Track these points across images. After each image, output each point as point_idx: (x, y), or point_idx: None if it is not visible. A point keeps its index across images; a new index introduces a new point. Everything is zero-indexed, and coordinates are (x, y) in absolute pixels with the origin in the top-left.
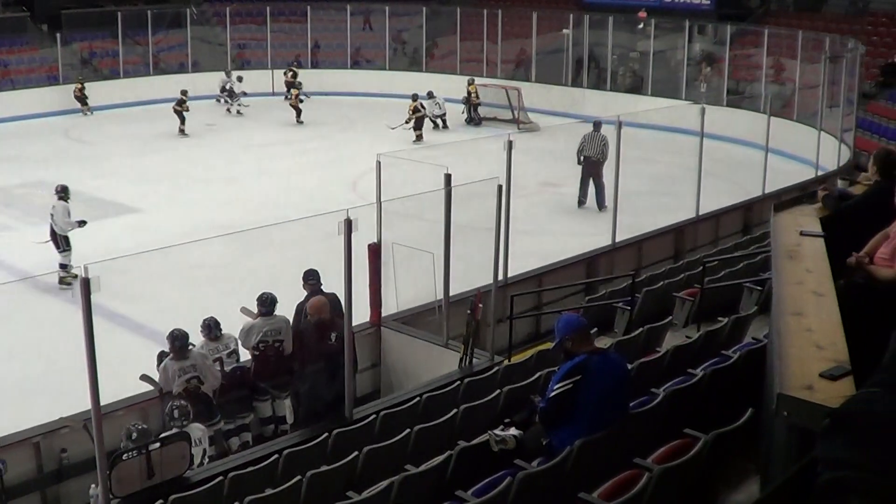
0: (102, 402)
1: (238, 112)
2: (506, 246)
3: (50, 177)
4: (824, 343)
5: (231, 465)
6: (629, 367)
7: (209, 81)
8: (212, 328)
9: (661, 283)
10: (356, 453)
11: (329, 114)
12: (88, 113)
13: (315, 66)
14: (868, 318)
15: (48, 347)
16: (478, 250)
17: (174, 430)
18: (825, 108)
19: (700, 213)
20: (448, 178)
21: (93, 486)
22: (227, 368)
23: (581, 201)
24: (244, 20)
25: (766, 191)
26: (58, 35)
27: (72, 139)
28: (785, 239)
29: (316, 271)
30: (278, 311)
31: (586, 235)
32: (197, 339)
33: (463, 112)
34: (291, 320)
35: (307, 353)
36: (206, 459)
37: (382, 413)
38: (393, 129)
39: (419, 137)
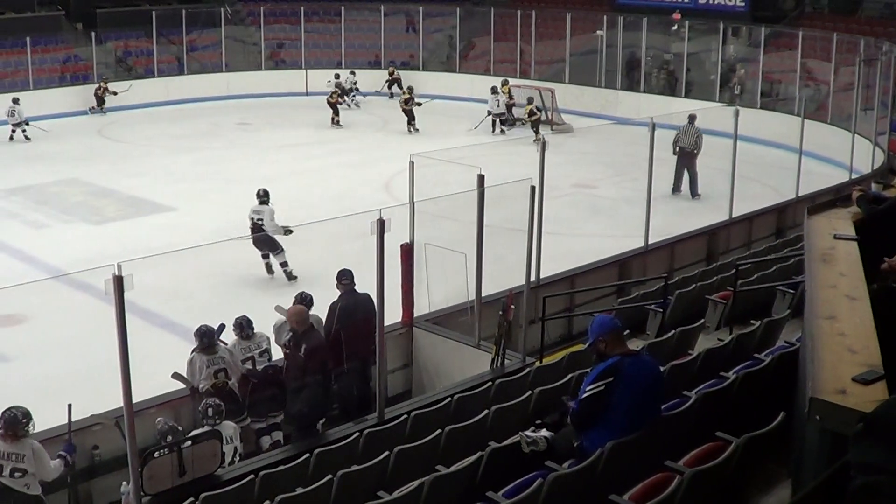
0: (135, 400)
1: (356, 105)
2: (538, 247)
3: (83, 175)
4: (857, 347)
5: (262, 464)
6: (661, 369)
7: (241, 81)
8: (244, 327)
9: (694, 285)
10: (387, 453)
11: (363, 114)
12: (99, 112)
13: (349, 66)
14: None
15: (81, 345)
16: (510, 251)
17: (206, 429)
18: (859, 111)
19: (733, 216)
20: (481, 178)
21: (124, 483)
22: (260, 367)
23: (676, 189)
24: (278, 20)
25: (800, 194)
26: (92, 34)
27: (106, 138)
28: (818, 242)
29: (350, 271)
30: (311, 311)
31: (619, 237)
32: (229, 337)
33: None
34: (325, 320)
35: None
36: (238, 458)
37: (414, 413)
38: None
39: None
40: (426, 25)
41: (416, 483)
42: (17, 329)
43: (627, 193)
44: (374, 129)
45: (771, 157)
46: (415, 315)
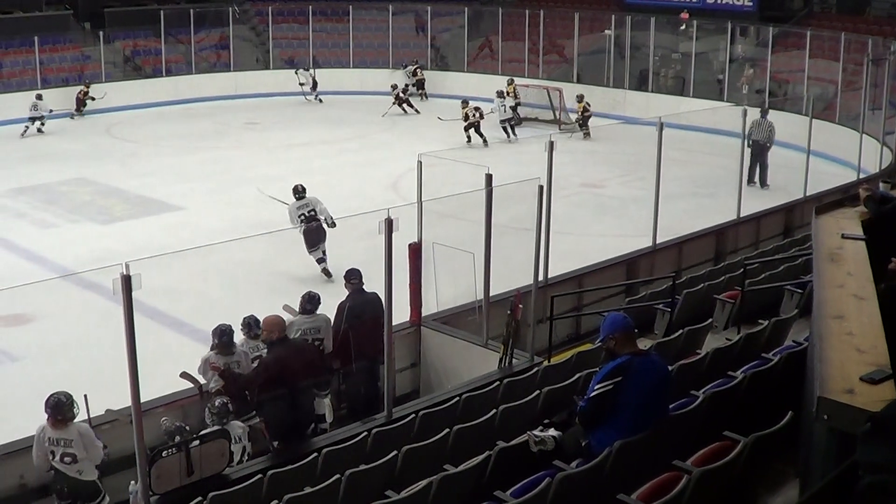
0: (143, 400)
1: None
2: (546, 246)
3: (91, 175)
4: (865, 347)
5: (270, 463)
6: (669, 369)
7: (249, 80)
8: (252, 326)
9: (702, 285)
10: (395, 452)
11: (370, 113)
12: (77, 116)
13: (357, 65)
14: None
15: (89, 345)
16: (518, 251)
17: (214, 428)
18: (867, 111)
19: (741, 216)
20: (489, 178)
21: (132, 482)
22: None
23: (750, 180)
24: (286, 19)
25: (808, 193)
26: (100, 33)
27: (114, 137)
28: (826, 241)
29: (358, 270)
30: (319, 310)
31: (627, 237)
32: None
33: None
34: (333, 319)
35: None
36: (247, 457)
37: (422, 412)
38: (443, 120)
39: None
40: (434, 25)
41: (424, 482)
42: (25, 329)
43: (635, 193)
44: (382, 128)
45: (779, 156)
46: (423, 314)
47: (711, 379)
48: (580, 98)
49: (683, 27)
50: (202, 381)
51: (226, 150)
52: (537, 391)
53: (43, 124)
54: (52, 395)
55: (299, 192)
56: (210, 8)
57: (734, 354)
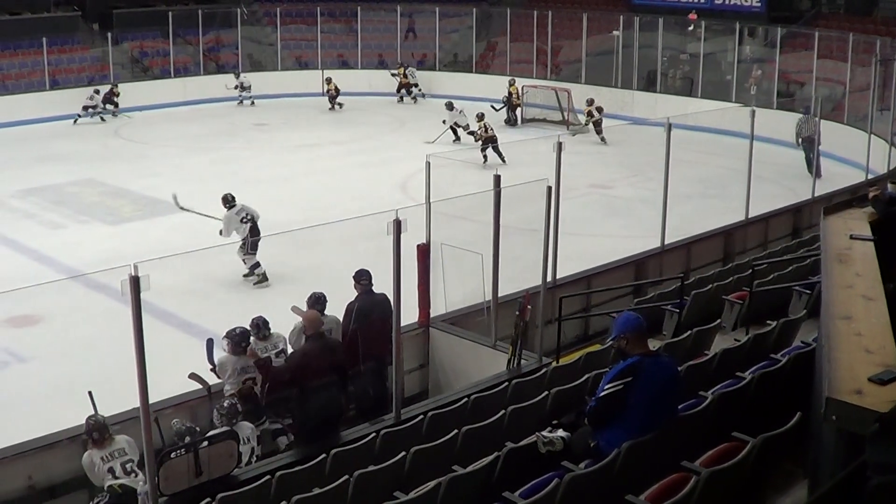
0: (151, 401)
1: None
2: (555, 247)
3: (100, 175)
4: (873, 347)
5: (279, 465)
6: (679, 369)
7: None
8: (260, 327)
9: (710, 285)
10: (404, 453)
11: (379, 114)
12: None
13: (365, 66)
14: None
15: (97, 345)
16: (526, 251)
17: (223, 429)
18: (875, 112)
19: (749, 216)
20: (497, 179)
21: (141, 483)
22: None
23: (816, 174)
24: (294, 20)
25: (816, 194)
26: (109, 34)
27: (122, 138)
28: (835, 242)
29: (368, 271)
30: (327, 311)
31: (635, 238)
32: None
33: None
34: (342, 320)
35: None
36: (255, 458)
37: (430, 413)
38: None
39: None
40: (442, 26)
41: (432, 483)
42: (34, 329)
43: (643, 194)
44: (391, 129)
45: (787, 157)
46: (431, 315)
47: (720, 380)
48: (590, 102)
49: (691, 28)
50: (210, 382)
51: (234, 151)
52: (546, 392)
53: (101, 117)
54: (90, 418)
55: (230, 200)
56: (218, 9)
57: (742, 355)
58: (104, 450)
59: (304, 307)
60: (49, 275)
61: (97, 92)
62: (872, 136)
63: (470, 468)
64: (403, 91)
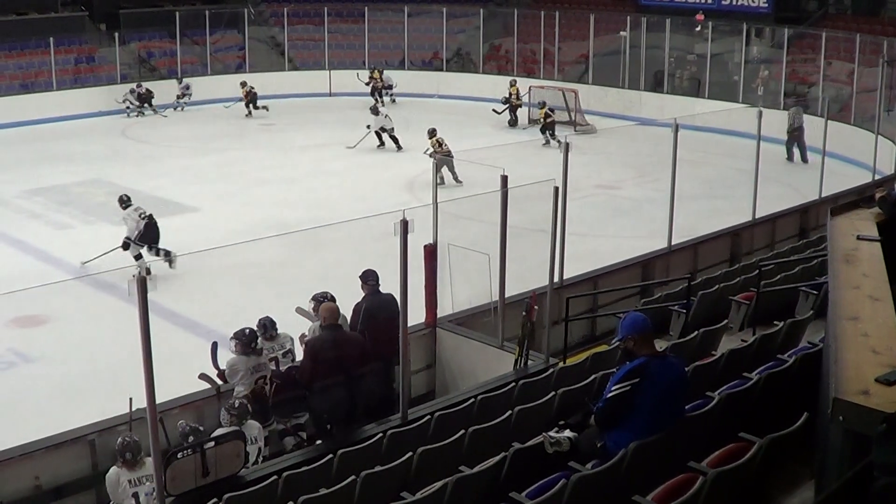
0: (158, 401)
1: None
2: (562, 248)
3: (107, 176)
4: (880, 348)
5: (285, 465)
6: (686, 370)
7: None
8: (268, 328)
9: (717, 286)
10: (410, 454)
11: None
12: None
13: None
14: None
15: (104, 346)
16: (533, 252)
17: (230, 429)
18: (883, 112)
19: (756, 217)
20: (504, 179)
21: (148, 483)
22: (283, 368)
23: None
24: (301, 21)
25: (823, 195)
26: (116, 35)
27: (129, 138)
28: (842, 243)
29: (374, 272)
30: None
31: (642, 238)
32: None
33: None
34: (349, 320)
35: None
36: (262, 458)
37: (437, 414)
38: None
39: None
40: (450, 26)
41: (439, 484)
42: (41, 330)
43: (651, 194)
44: (397, 130)
45: (794, 157)
46: (438, 316)
47: (727, 380)
48: (542, 104)
49: (699, 28)
50: (220, 381)
51: (241, 152)
52: (552, 392)
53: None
54: (124, 438)
55: (125, 200)
56: (225, 9)
57: (749, 356)
58: (134, 472)
59: (310, 308)
60: (56, 275)
61: (132, 92)
62: (879, 136)
63: (477, 468)
64: (377, 94)
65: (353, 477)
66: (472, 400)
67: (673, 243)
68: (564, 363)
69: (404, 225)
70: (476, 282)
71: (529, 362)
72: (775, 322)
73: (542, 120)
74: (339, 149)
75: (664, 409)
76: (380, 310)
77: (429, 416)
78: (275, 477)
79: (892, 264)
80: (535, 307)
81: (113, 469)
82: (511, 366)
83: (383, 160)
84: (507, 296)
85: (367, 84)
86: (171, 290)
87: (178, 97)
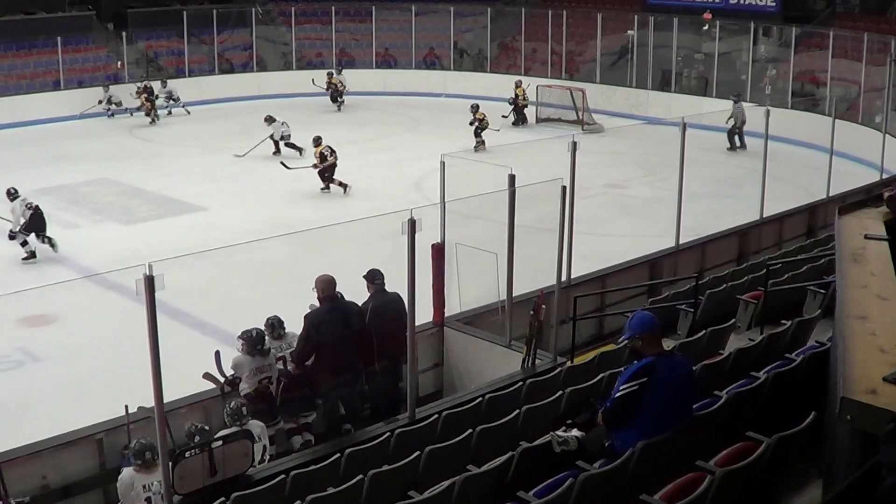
0: (165, 400)
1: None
2: (569, 247)
3: (115, 175)
4: (888, 347)
5: (293, 464)
6: (693, 369)
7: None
8: (275, 327)
9: (725, 285)
10: (418, 453)
11: (393, 113)
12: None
13: (381, 65)
14: None
15: (112, 345)
16: (541, 251)
17: (236, 428)
18: (890, 111)
19: (764, 216)
20: (512, 178)
21: (155, 482)
22: (291, 367)
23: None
24: (309, 20)
25: (831, 194)
26: (123, 34)
27: (136, 138)
28: (849, 242)
29: (380, 271)
30: None
31: (650, 237)
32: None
33: (508, 115)
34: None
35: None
36: (267, 456)
37: (445, 413)
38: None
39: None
40: (457, 25)
41: (446, 483)
42: (49, 329)
43: (658, 193)
44: (405, 129)
45: (802, 157)
46: (446, 315)
47: (734, 379)
48: (474, 108)
49: (706, 27)
50: (228, 388)
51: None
52: (560, 392)
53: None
54: (140, 441)
55: (13, 193)
56: (233, 8)
57: (757, 355)
58: (149, 477)
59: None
60: (64, 274)
61: (106, 90)
62: (887, 135)
63: (484, 468)
64: (339, 97)
65: (360, 476)
66: (480, 399)
67: (681, 242)
68: (572, 362)
69: (412, 224)
70: (484, 281)
71: (537, 361)
72: (783, 321)
73: (476, 122)
74: (347, 147)
75: (672, 408)
76: (386, 309)
77: (436, 416)
78: (282, 476)
79: None
80: (543, 306)
81: (126, 471)
82: (519, 365)
83: (392, 159)
84: (514, 295)
85: (326, 89)
86: (178, 290)
87: (167, 100)
